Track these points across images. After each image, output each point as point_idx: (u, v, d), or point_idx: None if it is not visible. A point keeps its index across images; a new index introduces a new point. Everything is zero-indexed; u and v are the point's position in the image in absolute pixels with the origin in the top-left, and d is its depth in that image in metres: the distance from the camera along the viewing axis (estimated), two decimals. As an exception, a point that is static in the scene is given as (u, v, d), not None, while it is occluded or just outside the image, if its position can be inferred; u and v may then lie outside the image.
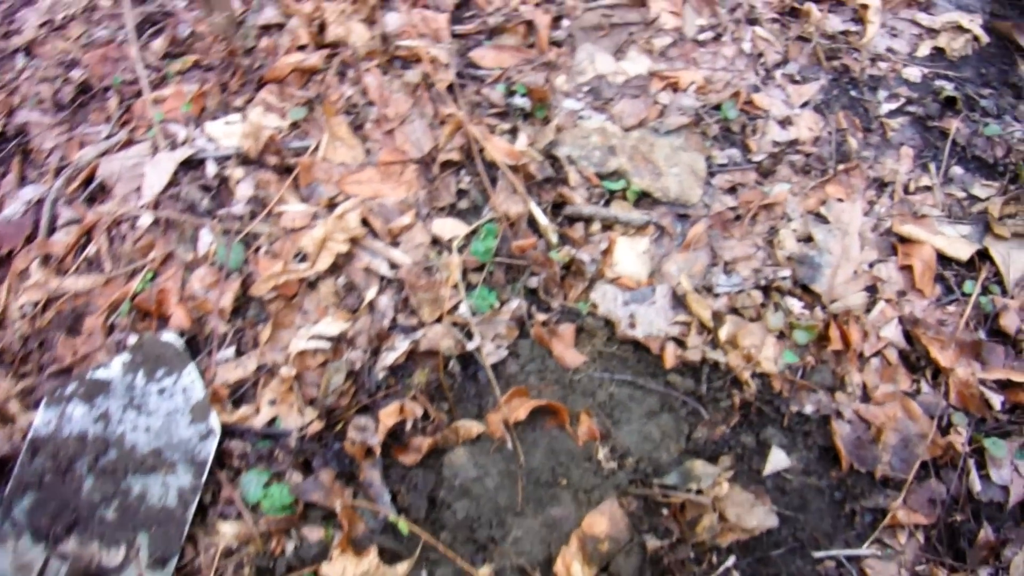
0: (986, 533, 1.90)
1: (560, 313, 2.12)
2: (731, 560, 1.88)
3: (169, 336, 2.05)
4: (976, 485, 1.95)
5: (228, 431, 1.97)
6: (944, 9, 2.69)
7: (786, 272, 2.14)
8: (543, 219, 2.16)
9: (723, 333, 2.05)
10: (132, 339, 2.09)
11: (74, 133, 2.54)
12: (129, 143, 2.44)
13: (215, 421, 1.93)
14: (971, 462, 1.97)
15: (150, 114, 2.43)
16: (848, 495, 1.96)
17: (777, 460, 1.98)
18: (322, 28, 2.56)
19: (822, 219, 2.22)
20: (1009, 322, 2.13)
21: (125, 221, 2.27)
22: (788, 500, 1.95)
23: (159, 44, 2.68)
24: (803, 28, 2.61)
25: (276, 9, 2.65)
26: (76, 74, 2.69)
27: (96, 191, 2.37)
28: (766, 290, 2.13)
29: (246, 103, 2.46)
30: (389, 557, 1.86)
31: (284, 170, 2.31)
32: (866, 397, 2.04)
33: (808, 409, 2.01)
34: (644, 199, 2.26)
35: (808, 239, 2.19)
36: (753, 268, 2.16)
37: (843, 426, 1.99)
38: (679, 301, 2.11)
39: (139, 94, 2.54)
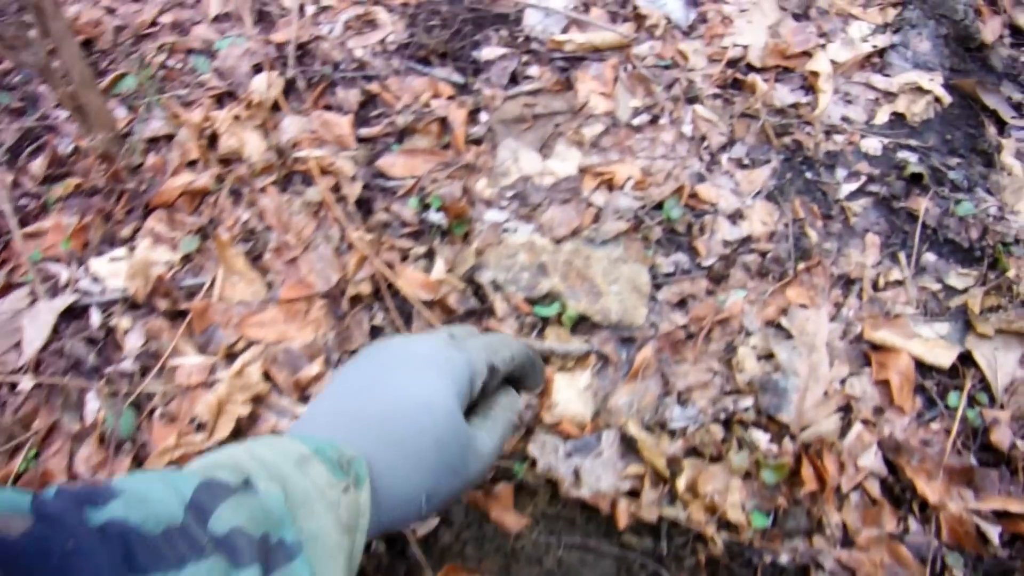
0: None
1: (494, 470, 1.86)
2: None
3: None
4: (981, 637, 1.72)
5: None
6: (901, 69, 2.42)
7: (748, 401, 1.88)
8: (467, 358, 1.90)
9: (681, 482, 1.80)
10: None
11: (-52, 280, 2.27)
12: (7, 289, 2.16)
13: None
14: (972, 611, 1.74)
15: (26, 253, 2.16)
16: (843, 662, 1.72)
17: (755, 626, 1.74)
18: (213, 140, 2.28)
19: (784, 332, 1.97)
20: (1001, 437, 1.88)
21: (2, 387, 2.00)
22: (770, 672, 1.72)
23: (38, 164, 2.39)
24: (748, 103, 2.33)
25: (164, 119, 2.37)
26: (-51, 204, 2.41)
27: (-28, 352, 2.09)
28: (727, 423, 1.88)
29: (133, 233, 2.18)
30: None
31: (177, 315, 2.03)
32: (848, 540, 1.80)
33: (784, 559, 1.76)
34: (582, 323, 2.00)
35: (770, 356, 1.94)
36: (711, 397, 1.90)
37: (825, 582, 1.75)
38: (629, 446, 1.85)
39: (21, 225, 2.26)
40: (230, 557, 0.74)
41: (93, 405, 1.94)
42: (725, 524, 1.78)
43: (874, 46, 2.46)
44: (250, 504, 0.79)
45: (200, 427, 1.86)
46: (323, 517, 0.85)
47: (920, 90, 2.36)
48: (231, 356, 1.95)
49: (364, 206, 2.15)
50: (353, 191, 2.15)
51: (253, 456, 0.86)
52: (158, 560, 0.69)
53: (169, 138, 2.34)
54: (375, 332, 1.99)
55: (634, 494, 1.81)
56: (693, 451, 1.85)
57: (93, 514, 0.70)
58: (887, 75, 2.42)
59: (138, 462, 1.86)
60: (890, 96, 2.38)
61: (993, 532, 1.79)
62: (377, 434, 0.99)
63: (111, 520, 0.70)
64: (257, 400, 1.88)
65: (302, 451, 0.90)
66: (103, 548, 0.67)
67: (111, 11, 2.82)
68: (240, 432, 1.86)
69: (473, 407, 1.22)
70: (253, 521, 0.77)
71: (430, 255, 2.08)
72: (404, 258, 2.06)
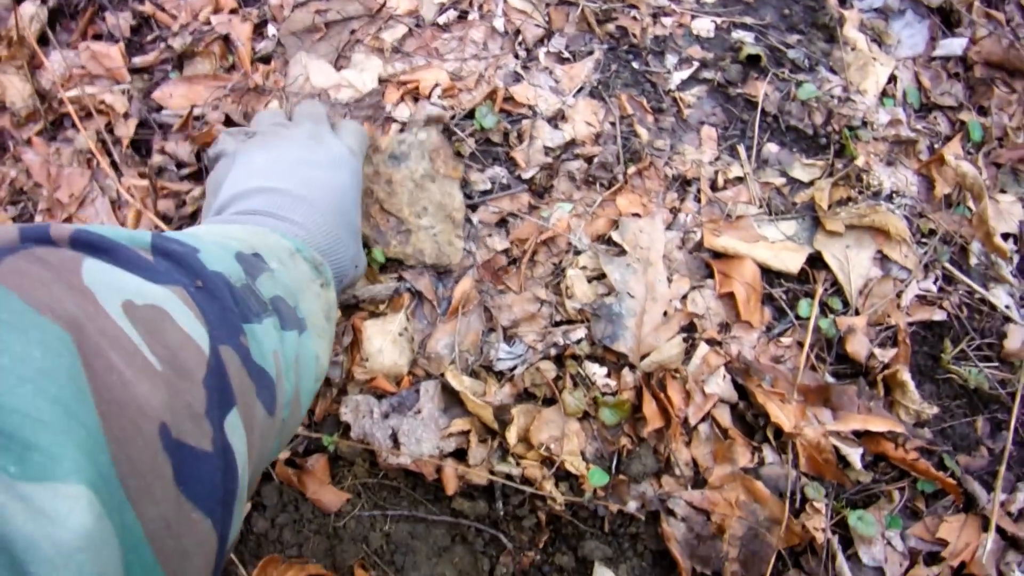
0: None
1: (305, 442, 1.64)
2: None
3: None
4: (845, 572, 1.57)
5: None
6: (730, -63, 2.18)
7: (581, 332, 1.68)
8: (264, 318, 1.67)
9: (512, 433, 1.60)
10: None
11: None
12: None
13: None
14: (836, 544, 1.60)
15: None
16: (696, 607, 1.57)
17: (603, 577, 1.57)
18: (-29, 87, 1.97)
19: (616, 247, 1.76)
20: (858, 347, 1.73)
21: None
22: (624, 627, 1.55)
23: None
24: (565, -12, 2.08)
25: None
26: None
27: None
28: (559, 360, 1.68)
29: None
30: None
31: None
32: (699, 480, 1.63)
33: (632, 506, 1.60)
34: (391, 263, 1.77)
35: (602, 276, 1.73)
36: (539, 331, 1.70)
37: (676, 525, 1.58)
38: (452, 397, 1.65)
39: None
40: (279, 319, 0.88)
41: None
42: (564, 476, 1.60)
43: (696, -87, 2.21)
44: (278, 279, 0.92)
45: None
46: (313, 303, 1.01)
47: (753, -41, 2.13)
48: None
49: (142, 147, 1.87)
50: (128, 131, 1.86)
51: (259, 240, 0.97)
52: (248, 311, 0.82)
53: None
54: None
55: (461, 453, 1.62)
56: (524, 395, 1.65)
57: (204, 260, 0.81)
58: (715, -55, 2.18)
59: None
60: (720, -32, 2.14)
61: (854, 455, 1.64)
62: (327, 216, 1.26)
63: (216, 271, 0.81)
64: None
65: (288, 247, 1.03)
66: (222, 292, 0.78)
67: None
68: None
69: None
70: (288, 293, 0.93)
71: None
72: (181, 204, 1.79)
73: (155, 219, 1.72)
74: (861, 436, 1.67)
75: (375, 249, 1.71)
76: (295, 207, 1.21)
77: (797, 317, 1.75)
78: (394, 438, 1.60)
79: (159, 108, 1.93)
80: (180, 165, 1.84)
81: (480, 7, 2.03)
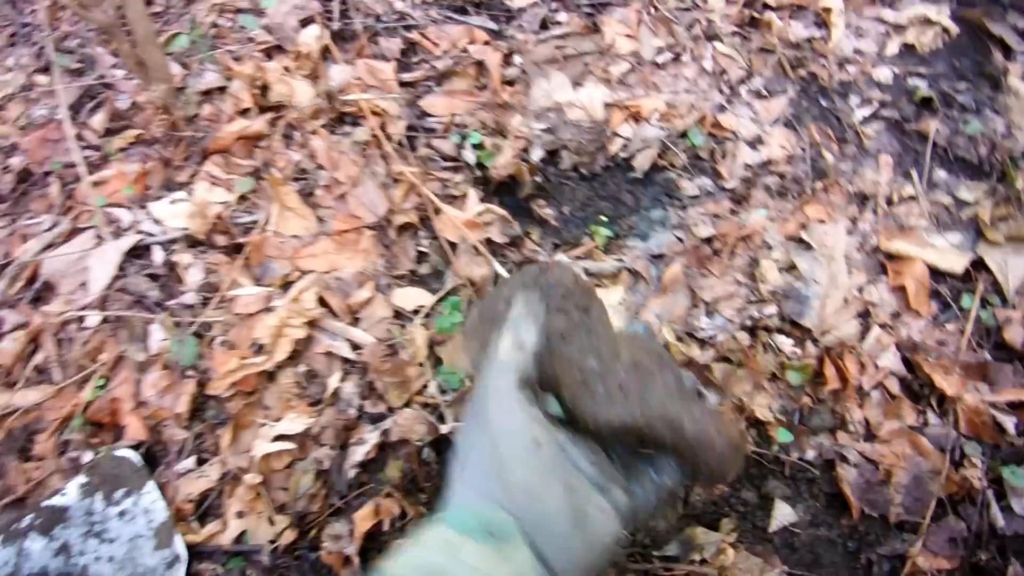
0: (1015, 569, 1.78)
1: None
2: (743, 631, 1.77)
3: (126, 452, 1.93)
4: (999, 519, 1.83)
5: (195, 553, 1.84)
6: (909, 3, 2.54)
7: (772, 308, 2.02)
8: (509, 281, 2.04)
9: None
10: (87, 457, 1.97)
11: (16, 226, 2.41)
12: (73, 233, 2.31)
13: (180, 545, 1.81)
14: (990, 495, 1.86)
15: (91, 200, 2.30)
16: (862, 544, 1.84)
17: (783, 514, 1.86)
18: (265, 89, 2.42)
19: (805, 245, 2.10)
20: (1014, 335, 2.01)
21: (72, 322, 2.15)
22: (799, 557, 1.84)
23: (99, 119, 2.54)
24: (765, 39, 2.46)
25: (217, 72, 2.52)
26: (15, 161, 2.55)
27: (41, 290, 2.24)
28: (752, 330, 2.01)
29: (191, 178, 2.33)
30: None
31: (234, 249, 2.18)
32: (870, 435, 1.92)
33: (810, 455, 1.90)
34: (613, 242, 2.13)
35: (792, 268, 2.07)
36: (737, 307, 2.03)
37: (849, 470, 1.87)
38: (662, 353, 1.99)
39: (80, 177, 2.42)
40: None
41: (157, 336, 2.08)
42: (754, 423, 1.91)
43: (884, -18, 2.59)
44: None
45: (260, 350, 2.00)
46: None
47: (929, 22, 2.48)
48: (286, 285, 2.09)
49: (407, 144, 2.28)
50: (398, 129, 2.29)
51: (413, 566, 0.90)
52: None
53: (222, 90, 2.49)
54: (421, 258, 2.13)
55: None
56: (722, 358, 1.98)
57: None
58: (896, 9, 2.54)
59: (201, 386, 2.00)
60: (900, 28, 2.50)
61: (1009, 422, 1.91)
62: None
63: None
64: (312, 324, 2.02)
65: (450, 539, 0.92)
66: None
67: (160, -23, 2.98)
68: (297, 355, 2.00)
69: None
70: None
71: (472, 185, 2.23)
72: (444, 187, 2.19)
73: (428, 193, 2.11)
74: (1016, 407, 1.95)
75: (598, 230, 2.09)
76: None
77: (960, 309, 2.05)
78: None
79: (423, 115, 2.36)
80: (444, 158, 2.25)
81: (692, 51, 2.43)
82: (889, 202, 2.17)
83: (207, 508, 1.92)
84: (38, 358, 2.12)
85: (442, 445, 1.93)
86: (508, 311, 1.09)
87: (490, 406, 1.03)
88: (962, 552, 1.81)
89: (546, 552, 0.95)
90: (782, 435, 1.90)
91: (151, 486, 1.88)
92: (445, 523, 0.95)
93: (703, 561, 1.79)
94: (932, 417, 1.93)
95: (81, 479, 1.90)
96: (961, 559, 1.81)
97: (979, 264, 2.10)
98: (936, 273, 2.09)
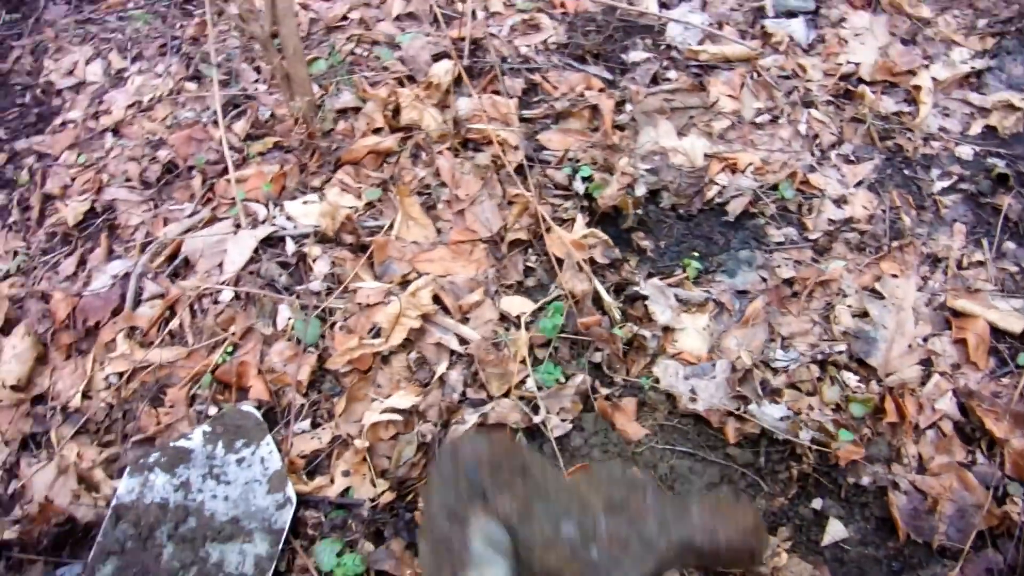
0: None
1: (623, 387, 2.20)
2: (790, 632, 1.93)
3: (248, 408, 2.16)
4: (1033, 554, 1.99)
5: (303, 501, 2.05)
6: (995, 89, 2.76)
7: (842, 347, 2.21)
8: (607, 297, 2.25)
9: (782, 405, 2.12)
10: (213, 410, 2.20)
11: (159, 210, 2.68)
12: (212, 221, 2.57)
13: (291, 491, 2.02)
14: (1029, 531, 2.01)
15: (233, 193, 2.55)
16: (906, 566, 2.00)
17: (835, 531, 2.02)
18: (396, 112, 2.69)
19: (877, 295, 2.29)
20: (1063, 394, 2.18)
21: (207, 296, 2.39)
22: (846, 571, 2.00)
23: (240, 126, 2.82)
24: (857, 110, 2.70)
25: (352, 94, 2.79)
26: (162, 154, 2.83)
27: (180, 267, 2.49)
28: (822, 364, 2.20)
29: (324, 183, 2.59)
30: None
31: (359, 248, 2.42)
32: (922, 468, 2.09)
33: (865, 481, 2.06)
34: (703, 276, 2.35)
35: (863, 314, 2.26)
36: (810, 343, 2.22)
37: (900, 497, 2.04)
38: (739, 376, 2.17)
39: (222, 174, 2.68)
40: None
41: (284, 315, 2.32)
42: (817, 449, 2.08)
43: (972, 68, 2.80)
44: None
45: (377, 334, 2.22)
46: None
47: (1012, 107, 2.69)
48: (404, 284, 2.32)
49: (521, 173, 2.51)
50: (516, 158, 2.53)
51: None
52: None
53: (356, 110, 2.76)
54: (528, 272, 2.36)
55: (740, 417, 2.13)
56: (792, 386, 2.17)
57: None
58: (982, 93, 2.76)
59: (321, 361, 2.23)
60: (984, 111, 2.72)
61: (1051, 469, 2.08)
62: None
63: None
64: (426, 318, 2.24)
65: None
66: None
67: (306, 7, 3.27)
68: (410, 342, 2.23)
69: None
70: None
71: (580, 210, 2.47)
72: (555, 211, 2.42)
73: (541, 211, 2.34)
74: (1058, 457, 2.12)
75: (690, 264, 2.31)
76: None
77: (1016, 366, 2.22)
78: (692, 392, 2.14)
79: (539, 148, 2.61)
80: (556, 186, 2.49)
81: (788, 115, 2.66)
82: (959, 265, 2.36)
83: (316, 466, 2.13)
84: (173, 324, 2.36)
85: (534, 434, 2.13)
86: (461, 537, 0.98)
87: None
88: (997, 584, 1.97)
89: None
90: (844, 435, 2.08)
91: (268, 440, 2.10)
92: None
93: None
94: (980, 457, 2.10)
95: (206, 427, 2.13)
96: None
97: (1038, 328, 2.27)
98: (996, 332, 2.26)
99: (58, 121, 3.20)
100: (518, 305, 2.28)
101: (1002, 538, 2.01)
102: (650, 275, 2.37)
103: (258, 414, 2.15)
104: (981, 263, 2.38)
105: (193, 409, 2.23)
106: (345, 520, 2.04)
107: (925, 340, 2.24)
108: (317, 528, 2.04)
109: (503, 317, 2.28)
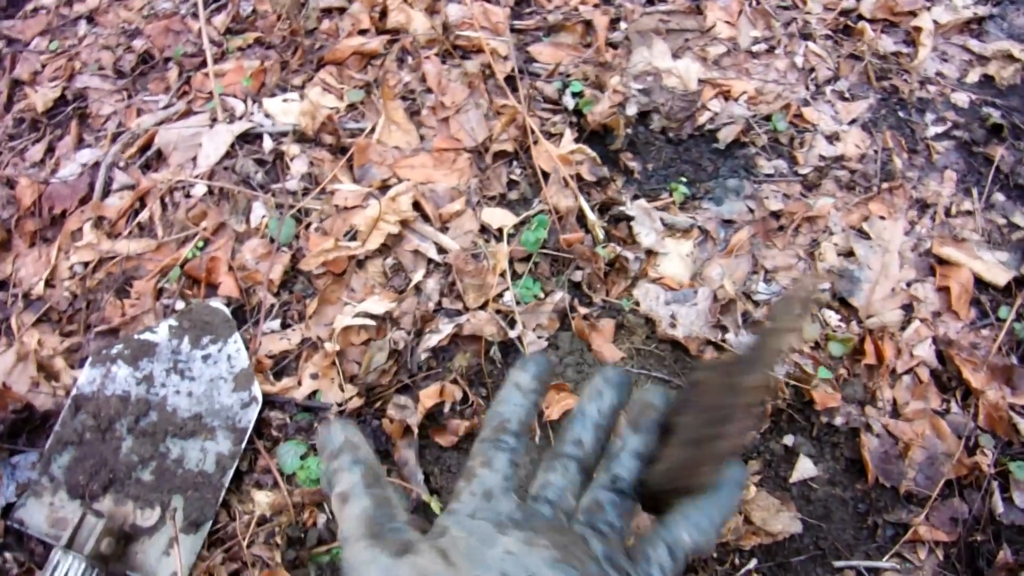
0: (1005, 555, 1.92)
1: (602, 308, 2.15)
2: (753, 563, 1.91)
3: (217, 304, 2.10)
4: (999, 507, 1.97)
5: (269, 401, 2.01)
6: (996, 37, 2.71)
7: (825, 285, 2.17)
8: (592, 216, 2.20)
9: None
10: (180, 305, 2.14)
11: (133, 101, 2.60)
12: (187, 114, 2.49)
13: (257, 390, 1.98)
14: (995, 484, 1.99)
15: (210, 87, 2.48)
16: (872, 508, 1.99)
17: (805, 468, 2.00)
18: (383, 14, 2.61)
19: (864, 235, 2.25)
20: (1043, 349, 2.16)
21: (179, 189, 2.32)
22: (812, 509, 1.98)
23: (221, 20, 2.73)
24: (855, 46, 2.63)
25: (339, -6, 2.71)
26: (138, 44, 2.74)
27: (152, 158, 2.42)
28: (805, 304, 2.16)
29: (305, 82, 2.51)
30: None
31: (339, 150, 2.35)
32: (896, 413, 2.07)
33: (838, 421, 2.04)
34: (690, 202, 2.30)
35: (849, 253, 2.22)
36: (793, 278, 2.19)
37: (871, 439, 2.02)
38: (720, 305, 2.14)
39: (199, 67, 2.60)
40: None
41: (258, 212, 2.26)
42: (793, 384, 2.06)
43: (975, 14, 2.74)
44: None
45: (353, 238, 2.17)
46: None
47: (1011, 58, 2.64)
48: (384, 188, 2.26)
49: (511, 83, 2.44)
50: (505, 68, 2.46)
51: None
52: None
53: (342, 10, 2.68)
54: (511, 185, 2.30)
55: (719, 347, 2.09)
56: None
57: None
58: (982, 41, 2.70)
59: (294, 261, 2.17)
60: (983, 60, 2.67)
61: (1024, 424, 2.06)
62: None
63: None
64: (404, 224, 2.19)
65: None
66: None
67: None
68: (387, 248, 2.17)
69: None
70: None
71: (568, 126, 2.40)
72: (543, 124, 2.36)
73: (530, 123, 2.28)
74: (1033, 412, 2.11)
75: (678, 188, 2.26)
76: None
77: (997, 318, 2.20)
78: (672, 318, 2.10)
79: (529, 60, 2.54)
80: (545, 100, 2.43)
81: (785, 46, 2.60)
82: (947, 213, 2.33)
83: (284, 367, 2.09)
84: (143, 216, 2.30)
85: (508, 348, 2.09)
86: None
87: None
88: (961, 531, 1.95)
89: None
90: (822, 372, 2.06)
91: (236, 338, 2.05)
92: None
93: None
94: (954, 407, 2.08)
95: (172, 321, 2.08)
96: (959, 537, 1.96)
97: (1021, 282, 2.24)
98: (980, 282, 2.23)
99: (30, 6, 3.09)
100: (500, 217, 2.23)
101: (969, 488, 2.00)
102: (636, 196, 2.31)
103: (227, 311, 2.09)
104: (969, 212, 2.35)
105: (160, 303, 2.17)
106: (311, 423, 2.00)
107: (908, 285, 2.22)
108: (282, 429, 2.00)
109: (484, 229, 2.22)
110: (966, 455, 2.01)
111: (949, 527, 1.96)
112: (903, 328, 2.15)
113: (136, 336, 2.06)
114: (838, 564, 1.93)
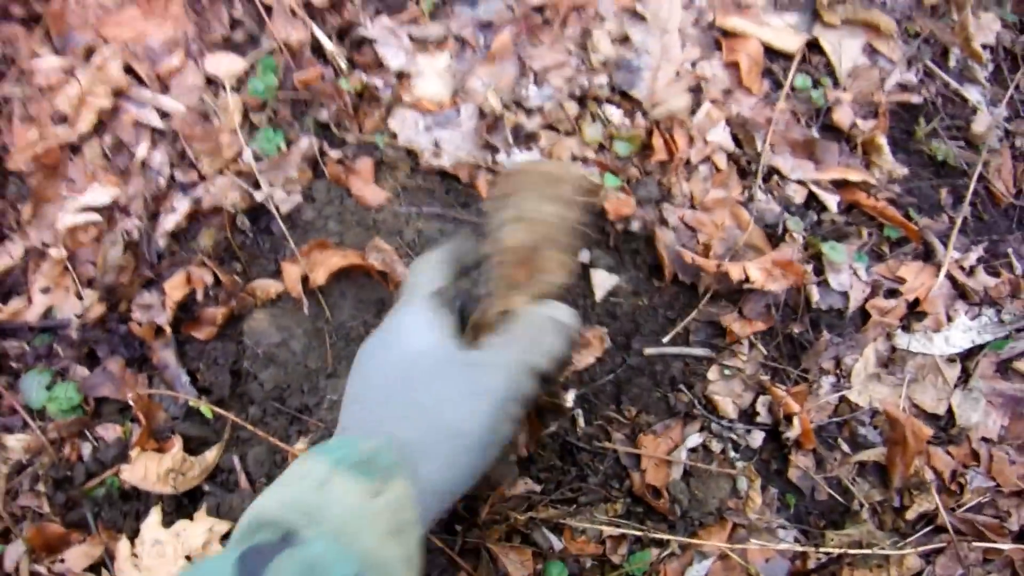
0: (826, 338, 1.84)
1: (356, 147, 1.91)
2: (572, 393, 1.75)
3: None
4: (814, 294, 1.85)
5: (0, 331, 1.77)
6: None
7: (602, 79, 1.96)
8: (329, 45, 1.93)
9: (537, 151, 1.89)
10: None
11: None
12: None
13: (-21, 321, 1.72)
14: (808, 269, 1.86)
15: None
16: (680, 314, 1.86)
17: (604, 281, 1.84)
18: None
19: (639, 17, 2.03)
20: (843, 116, 2.01)
21: None
22: (620, 325, 1.84)
23: None
24: None
25: None
26: None
27: None
28: (582, 100, 1.96)
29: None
30: (196, 445, 1.71)
31: (32, 20, 2.02)
32: (694, 207, 1.90)
33: (635, 226, 1.86)
34: (442, 7, 2.04)
35: (624, 39, 2.00)
36: (566, 77, 1.97)
37: (667, 233, 1.85)
38: (488, 123, 1.92)
39: None
40: None
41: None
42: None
43: None
44: (294, 557, 0.79)
45: (63, 120, 1.88)
46: (364, 537, 0.85)
47: None
48: (89, 55, 1.95)
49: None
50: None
51: (283, 504, 0.87)
52: None
53: None
54: (235, 25, 2.01)
55: (492, 170, 1.88)
56: (549, 127, 1.92)
57: None
58: None
59: (0, 162, 1.88)
60: None
61: (832, 200, 1.92)
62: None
63: None
64: (118, 94, 1.90)
65: (321, 474, 0.89)
66: None
67: None
68: (103, 126, 1.89)
69: None
70: (302, 572, 0.78)
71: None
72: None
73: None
74: (839, 186, 1.95)
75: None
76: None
77: (792, 88, 2.02)
78: (436, 146, 1.87)
79: None
80: None
81: None
82: (726, -22, 2.11)
83: (11, 287, 1.84)
84: None
85: (257, 213, 1.86)
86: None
87: (402, 325, 1.07)
88: (777, 319, 1.84)
89: (433, 477, 0.95)
90: (609, 180, 1.89)
91: (-59, 263, 1.78)
92: (322, 456, 0.93)
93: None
94: (758, 193, 1.93)
95: None
96: (775, 328, 1.86)
97: (814, 46, 2.08)
98: (770, 52, 2.06)
99: None
100: (226, 64, 1.93)
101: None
102: (378, 13, 2.03)
103: (-70, 236, 1.81)
104: (750, -29, 2.14)
105: None
106: (51, 346, 1.78)
107: (693, 65, 2.01)
108: (20, 360, 1.77)
109: (210, 81, 1.94)
110: (771, 248, 1.87)
111: (764, 316, 1.83)
112: (693, 113, 1.96)
113: None
114: (649, 351, 1.83)
